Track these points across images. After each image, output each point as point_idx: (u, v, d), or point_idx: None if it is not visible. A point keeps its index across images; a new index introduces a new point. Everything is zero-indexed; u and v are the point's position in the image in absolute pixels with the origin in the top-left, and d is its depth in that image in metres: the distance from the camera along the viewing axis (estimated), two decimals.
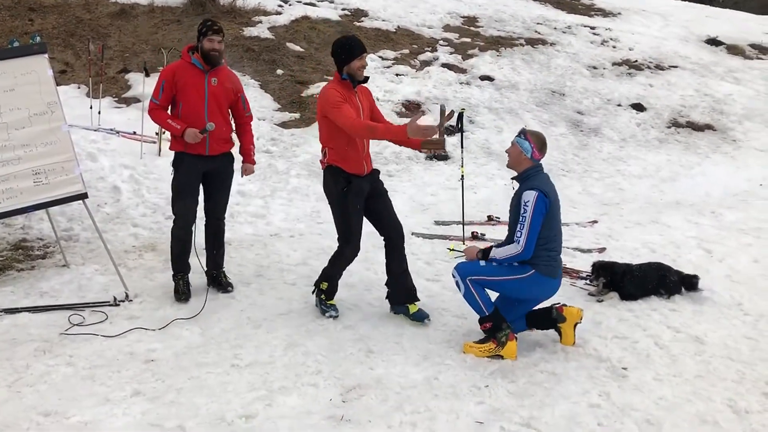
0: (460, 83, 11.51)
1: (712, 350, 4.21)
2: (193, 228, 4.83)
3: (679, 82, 12.68)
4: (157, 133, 8.34)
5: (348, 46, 4.34)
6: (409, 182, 8.48)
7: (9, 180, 4.69)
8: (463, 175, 6.75)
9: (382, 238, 4.62)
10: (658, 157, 10.10)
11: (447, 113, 4.08)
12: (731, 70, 13.60)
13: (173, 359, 3.92)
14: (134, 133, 8.70)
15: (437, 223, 7.14)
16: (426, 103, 10.63)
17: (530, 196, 3.93)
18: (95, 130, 8.74)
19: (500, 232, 6.78)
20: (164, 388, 3.59)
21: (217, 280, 5.03)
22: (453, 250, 6.14)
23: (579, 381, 3.76)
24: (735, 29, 16.36)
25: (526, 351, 4.11)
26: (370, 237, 4.79)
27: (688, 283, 5.13)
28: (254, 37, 12.27)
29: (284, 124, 9.95)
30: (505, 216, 7.38)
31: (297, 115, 10.20)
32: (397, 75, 11.47)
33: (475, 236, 6.56)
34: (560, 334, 4.21)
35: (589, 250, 6.27)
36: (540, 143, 4.11)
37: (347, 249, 4.49)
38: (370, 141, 4.54)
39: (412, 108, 10.41)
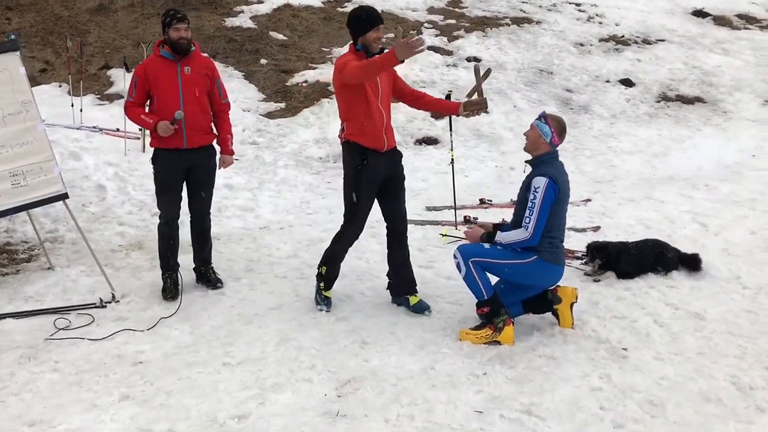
0: (447, 65, 11.37)
1: (712, 326, 4.14)
2: (178, 224, 4.71)
3: (666, 55, 12.56)
4: (140, 129, 8.19)
5: (364, 16, 4.19)
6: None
7: None
8: (453, 159, 6.64)
9: (386, 225, 4.51)
10: (649, 132, 10.01)
11: (483, 73, 3.93)
12: (719, 42, 13.48)
13: (162, 360, 3.82)
14: (117, 129, 8.55)
15: (428, 208, 7.04)
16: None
17: (541, 182, 3.83)
18: (78, 129, 8.59)
19: (493, 216, 6.70)
20: (153, 391, 3.49)
21: (206, 277, 4.92)
22: (446, 235, 6.04)
23: (579, 364, 3.68)
24: (720, 0, 16.22)
25: (523, 335, 4.03)
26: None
27: (691, 263, 5.04)
28: (236, 27, 12.09)
29: (270, 115, 9.82)
30: (497, 199, 7.33)
31: (283, 105, 10.07)
32: None
33: (467, 220, 6.46)
34: (557, 316, 4.13)
35: (584, 230, 6.19)
36: (560, 128, 4.01)
37: (349, 228, 4.37)
38: (390, 114, 4.34)
39: None
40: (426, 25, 12.91)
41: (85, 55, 11.11)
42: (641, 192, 7.43)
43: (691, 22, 14.69)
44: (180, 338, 4.10)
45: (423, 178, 8.11)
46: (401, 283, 4.52)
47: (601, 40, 13.07)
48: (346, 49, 11.23)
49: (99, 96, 10.27)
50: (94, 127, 8.65)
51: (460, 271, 3.99)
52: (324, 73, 10.72)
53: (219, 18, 12.42)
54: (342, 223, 4.44)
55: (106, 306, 4.59)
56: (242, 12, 12.68)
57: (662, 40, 13.22)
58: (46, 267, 5.40)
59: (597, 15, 14.22)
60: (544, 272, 3.96)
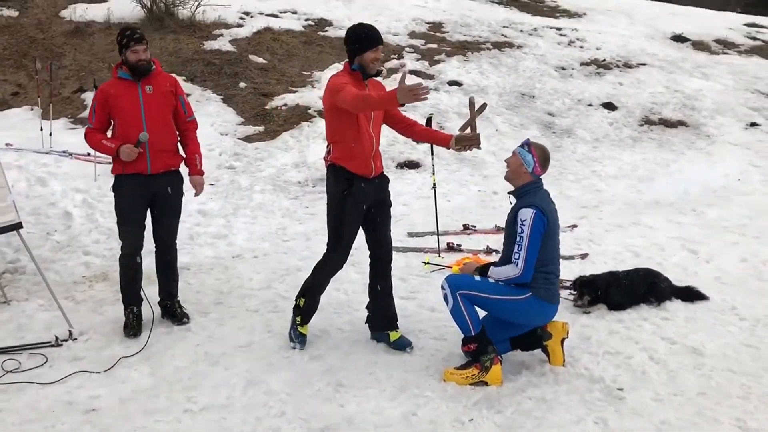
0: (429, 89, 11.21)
1: (711, 362, 3.90)
2: (141, 256, 4.39)
3: (648, 79, 12.54)
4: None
5: (363, 34, 3.94)
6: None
7: None
8: (435, 183, 6.41)
9: (369, 254, 4.23)
10: (634, 156, 9.88)
11: (478, 106, 3.71)
12: (699, 66, 13.52)
13: (118, 407, 3.47)
14: (88, 154, 8.23)
15: (410, 234, 6.77)
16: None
17: (527, 214, 3.60)
18: (47, 153, 8.28)
19: (476, 242, 6.46)
20: None
21: (171, 312, 4.59)
22: (428, 263, 5.78)
23: (572, 407, 3.41)
24: (698, 25, 16.36)
25: (511, 374, 3.75)
26: None
27: (689, 296, 4.83)
28: (215, 51, 11.88)
29: (248, 138, 9.57)
30: (480, 224, 7.10)
31: (261, 128, 9.83)
32: None
33: (450, 247, 6.21)
34: (547, 353, 3.86)
35: (571, 257, 5.95)
36: (544, 158, 3.79)
37: (333, 256, 4.09)
38: (380, 139, 4.12)
39: None
40: (407, 49, 12.80)
41: (59, 78, 10.84)
42: (628, 217, 7.24)
43: (670, 46, 14.76)
44: (139, 381, 3.76)
45: (405, 203, 7.86)
46: (382, 317, 4.24)
47: (582, 63, 13.03)
48: (326, 73, 11.28)
49: (72, 119, 9.98)
50: (64, 152, 8.35)
51: (447, 303, 3.72)
52: (304, 96, 10.52)
53: (197, 41, 12.20)
54: (324, 251, 4.16)
55: (62, 344, 4.23)
56: (221, 35, 12.48)
57: (643, 64, 13.22)
58: (2, 301, 5.04)
59: (578, 39, 14.23)
60: (538, 311, 3.71)
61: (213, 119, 9.87)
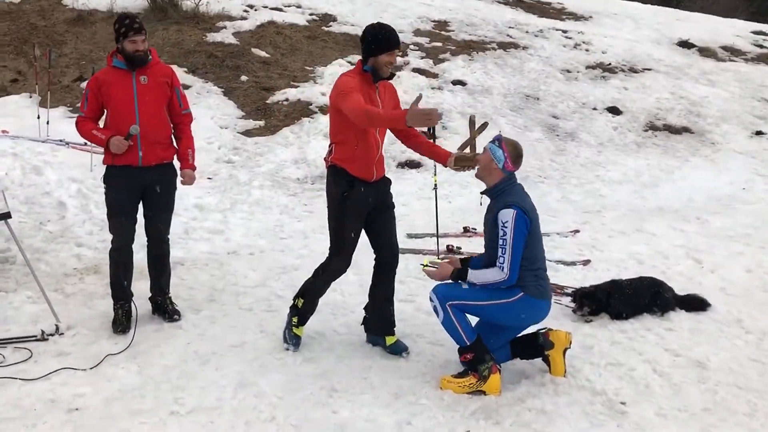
0: (432, 88, 11.09)
1: (716, 377, 3.78)
2: (132, 249, 4.27)
3: (653, 84, 12.43)
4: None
5: (381, 36, 3.77)
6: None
7: None
8: (436, 184, 6.28)
9: (374, 257, 4.09)
10: (638, 161, 9.76)
11: (479, 125, 3.59)
12: (705, 72, 13.40)
13: (102, 407, 3.35)
14: (85, 144, 8.10)
15: (410, 236, 6.65)
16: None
17: (509, 215, 3.45)
18: (43, 142, 8.15)
19: (477, 244, 6.32)
20: None
21: (162, 308, 4.47)
22: (427, 265, 5.64)
23: (573, 420, 3.29)
24: (705, 31, 16.25)
25: (510, 384, 3.63)
26: None
27: (694, 305, 4.72)
28: (218, 43, 11.74)
29: (248, 133, 9.44)
30: (481, 227, 6.96)
31: (262, 123, 9.70)
32: None
33: (450, 250, 6.09)
34: (548, 363, 3.74)
35: (573, 263, 5.83)
36: (515, 154, 3.63)
37: (335, 261, 3.96)
38: (383, 143, 4.00)
39: None
40: (412, 47, 12.66)
41: (59, 66, 10.70)
42: (631, 224, 7.12)
43: (677, 52, 14.64)
44: (126, 379, 3.64)
45: (405, 203, 7.73)
46: (380, 321, 4.11)
47: (587, 67, 12.92)
48: (329, 69, 11.15)
49: (71, 108, 9.83)
50: (61, 141, 8.21)
51: (437, 315, 3.59)
52: (306, 92, 10.39)
53: (200, 33, 12.06)
54: (327, 255, 4.02)
55: (47, 339, 4.11)
56: (225, 27, 12.35)
57: (649, 69, 13.10)
58: None
59: (584, 42, 14.11)
60: (531, 309, 3.57)
61: (213, 112, 9.74)
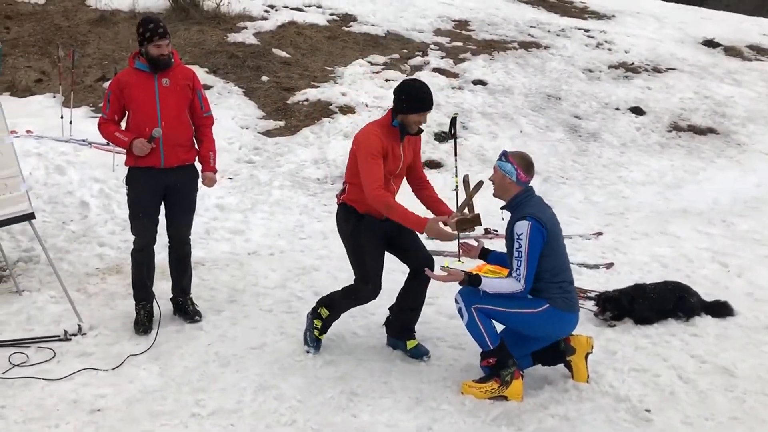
0: (452, 88, 11.02)
1: (744, 384, 3.70)
2: (153, 250, 4.29)
3: (677, 84, 12.24)
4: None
5: (415, 97, 3.76)
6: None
7: None
8: (457, 185, 6.23)
9: (409, 269, 4.04)
10: (661, 162, 9.62)
11: (473, 185, 3.59)
12: (730, 72, 13.18)
13: (124, 408, 3.37)
14: (107, 144, 8.16)
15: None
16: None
17: (523, 227, 3.42)
18: (66, 141, 8.23)
19: (498, 246, 6.26)
20: None
21: (183, 309, 4.48)
22: (448, 267, 5.60)
23: (596, 427, 3.24)
24: (731, 30, 15.97)
25: (532, 390, 3.58)
26: None
27: (719, 310, 4.63)
28: (239, 43, 11.79)
29: (268, 133, 9.46)
30: (503, 229, 6.90)
31: (282, 123, 9.72)
32: (386, 80, 10.97)
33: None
34: (571, 369, 3.68)
35: (596, 266, 5.76)
36: (525, 164, 3.60)
37: (365, 289, 3.89)
38: (398, 190, 4.01)
39: None
40: (432, 46, 12.61)
41: (83, 66, 10.82)
42: (655, 226, 7.02)
43: (701, 51, 14.41)
44: (147, 381, 3.66)
45: None
46: (404, 326, 4.07)
47: (610, 66, 12.76)
48: (350, 69, 11.13)
49: (93, 108, 9.92)
50: (83, 140, 8.28)
51: (462, 318, 3.56)
52: (326, 92, 10.39)
53: (222, 33, 12.12)
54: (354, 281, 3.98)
55: (70, 339, 4.14)
56: (246, 28, 12.39)
57: (673, 69, 12.91)
58: (14, 291, 4.97)
59: (606, 42, 13.94)
60: (558, 322, 3.53)
61: (234, 112, 9.78)
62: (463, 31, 13.68)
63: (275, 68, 11.22)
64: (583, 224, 7.09)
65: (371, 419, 3.29)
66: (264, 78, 10.82)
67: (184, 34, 11.79)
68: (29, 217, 4.34)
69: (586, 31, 14.50)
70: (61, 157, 7.61)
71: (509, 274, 3.52)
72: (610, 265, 5.79)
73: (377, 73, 11.25)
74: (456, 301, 3.59)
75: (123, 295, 4.89)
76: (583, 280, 5.36)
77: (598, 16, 16.63)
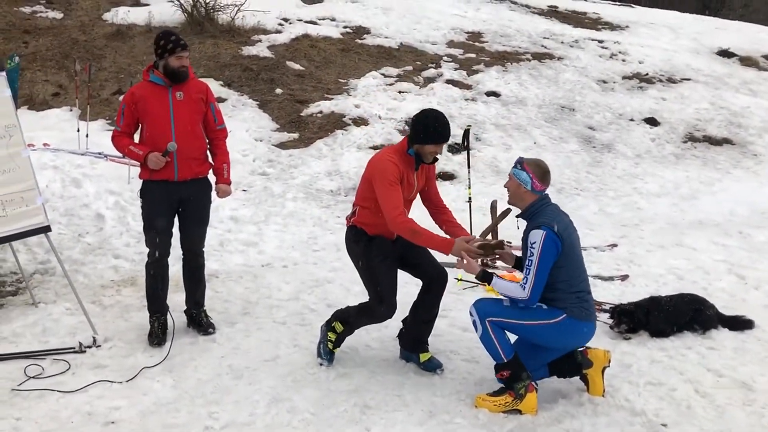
0: (466, 99, 11.04)
1: (763, 399, 3.64)
2: (167, 262, 4.32)
3: (692, 95, 12.18)
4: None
5: (433, 129, 3.74)
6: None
7: None
8: (470, 197, 6.23)
9: (422, 282, 4.03)
10: (676, 173, 9.55)
11: (501, 211, 3.55)
12: (746, 82, 13.10)
13: (138, 420, 3.38)
14: (123, 156, 8.24)
15: None
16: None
17: (537, 236, 3.39)
18: (82, 154, 8.33)
19: None
20: None
21: (197, 321, 4.50)
22: (461, 280, 5.59)
23: None
24: (746, 41, 15.88)
25: (547, 403, 3.55)
26: None
27: (737, 325, 4.58)
28: (253, 56, 11.90)
29: (282, 145, 9.52)
30: (516, 241, 6.87)
31: (296, 135, 9.78)
32: (400, 92, 11.02)
33: (485, 264, 6.00)
34: (587, 382, 3.65)
35: (611, 278, 5.71)
36: (541, 172, 3.57)
37: (379, 309, 3.86)
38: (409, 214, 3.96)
39: None
40: (445, 58, 12.65)
41: (99, 80, 10.97)
42: (671, 238, 6.96)
43: (716, 62, 14.33)
44: (161, 393, 3.67)
45: None
46: (417, 339, 4.05)
47: (624, 77, 12.73)
48: (363, 82, 11.18)
49: (109, 121, 10.04)
50: (99, 153, 8.38)
51: (476, 330, 3.54)
52: (339, 104, 10.45)
53: (236, 46, 12.25)
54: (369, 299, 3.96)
55: (85, 351, 4.17)
56: (260, 41, 12.51)
57: (687, 79, 12.85)
58: (30, 302, 5.02)
59: (620, 52, 13.92)
60: (576, 332, 3.49)
61: (248, 125, 9.85)
62: (477, 43, 13.71)
63: (289, 81, 11.31)
64: (597, 236, 7.04)
65: None
66: (278, 90, 10.91)
67: (198, 48, 11.92)
68: (45, 230, 4.39)
69: (600, 41, 14.48)
70: (77, 169, 7.70)
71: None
72: (625, 278, 5.74)
73: (390, 85, 11.30)
74: (470, 314, 3.58)
75: (137, 307, 4.92)
76: (598, 292, 5.31)
77: (612, 26, 16.62)
